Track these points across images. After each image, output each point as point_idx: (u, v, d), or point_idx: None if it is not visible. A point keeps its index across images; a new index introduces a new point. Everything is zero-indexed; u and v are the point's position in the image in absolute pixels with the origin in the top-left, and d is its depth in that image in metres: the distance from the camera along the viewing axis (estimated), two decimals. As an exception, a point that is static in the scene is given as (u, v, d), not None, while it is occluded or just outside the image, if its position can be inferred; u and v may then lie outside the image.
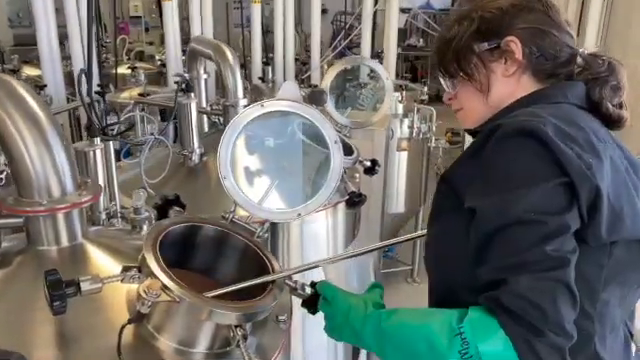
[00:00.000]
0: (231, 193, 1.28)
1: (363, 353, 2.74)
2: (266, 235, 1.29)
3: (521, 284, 0.90)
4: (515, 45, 1.15)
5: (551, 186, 0.94)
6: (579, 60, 1.18)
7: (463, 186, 1.07)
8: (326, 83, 2.68)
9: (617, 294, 1.10)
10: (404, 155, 3.70)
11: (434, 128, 3.83)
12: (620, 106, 1.17)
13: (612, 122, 1.17)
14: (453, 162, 1.17)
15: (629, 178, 1.09)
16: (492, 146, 1.01)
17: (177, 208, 1.33)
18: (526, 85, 1.17)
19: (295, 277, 1.25)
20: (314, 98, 2.26)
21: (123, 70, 4.47)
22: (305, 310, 1.26)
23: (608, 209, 0.98)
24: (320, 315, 1.24)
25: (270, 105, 1.34)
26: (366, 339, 1.07)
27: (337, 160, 1.32)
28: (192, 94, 1.91)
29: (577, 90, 1.16)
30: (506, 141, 1.00)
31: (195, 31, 3.81)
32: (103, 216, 1.49)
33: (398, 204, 3.83)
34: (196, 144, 1.99)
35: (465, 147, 5.24)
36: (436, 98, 6.04)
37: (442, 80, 1.26)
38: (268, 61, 4.23)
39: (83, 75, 1.55)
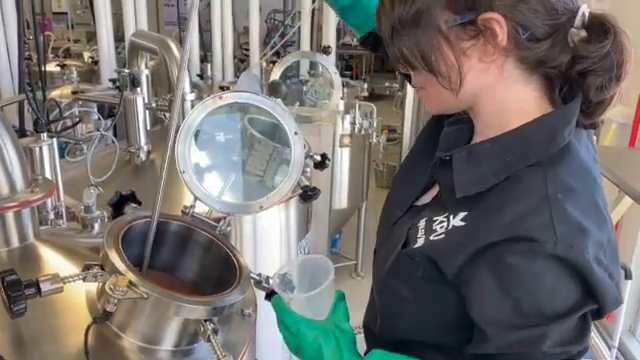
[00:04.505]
0: (191, 187, 1.25)
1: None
2: (229, 229, 1.27)
3: None
4: (498, 25, 0.82)
5: (579, 316, 0.83)
6: (575, 39, 0.84)
7: (448, 258, 0.88)
8: (275, 77, 2.67)
9: None
10: (346, 151, 3.73)
11: (375, 124, 3.89)
12: (604, 107, 0.88)
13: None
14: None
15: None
16: (518, 259, 0.81)
17: (133, 205, 1.28)
18: (509, 76, 0.87)
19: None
20: (272, 89, 2.25)
21: (50, 68, 4.27)
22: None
23: None
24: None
25: (228, 97, 1.32)
26: None
27: (298, 151, 1.32)
28: (138, 89, 1.85)
29: (575, 114, 0.88)
30: (539, 262, 0.80)
31: (129, 28, 3.71)
32: (51, 216, 1.42)
33: (341, 200, 3.86)
34: (143, 141, 1.93)
35: (403, 144, 5.25)
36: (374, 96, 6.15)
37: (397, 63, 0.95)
38: (207, 58, 4.17)
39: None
